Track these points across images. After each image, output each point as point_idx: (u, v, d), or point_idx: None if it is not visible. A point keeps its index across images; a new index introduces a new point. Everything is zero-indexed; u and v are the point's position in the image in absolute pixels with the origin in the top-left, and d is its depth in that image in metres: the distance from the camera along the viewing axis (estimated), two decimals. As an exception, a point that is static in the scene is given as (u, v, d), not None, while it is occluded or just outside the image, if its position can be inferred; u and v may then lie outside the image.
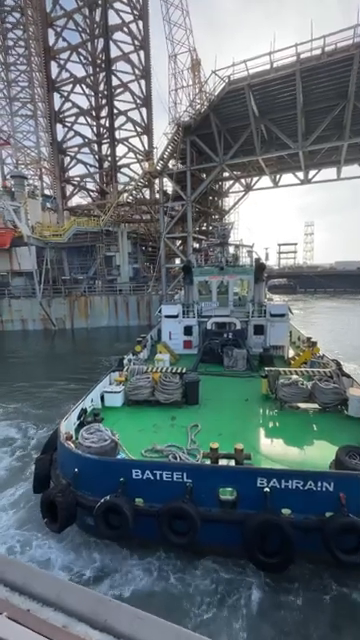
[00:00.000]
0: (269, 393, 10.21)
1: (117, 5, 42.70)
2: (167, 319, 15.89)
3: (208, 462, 6.74)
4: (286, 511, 5.85)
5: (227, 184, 41.49)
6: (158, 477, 6.13)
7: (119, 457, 7.01)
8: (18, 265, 35.04)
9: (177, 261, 40.93)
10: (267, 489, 5.83)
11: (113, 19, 42.74)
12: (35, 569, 1.09)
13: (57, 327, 33.06)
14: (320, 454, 7.24)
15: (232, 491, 6.14)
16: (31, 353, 26.38)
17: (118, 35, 43.38)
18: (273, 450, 7.58)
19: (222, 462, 6.78)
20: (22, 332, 32.89)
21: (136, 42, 44.18)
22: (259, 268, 16.03)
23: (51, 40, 44.32)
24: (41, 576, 1.05)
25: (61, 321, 33.31)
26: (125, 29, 43.35)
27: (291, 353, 14.80)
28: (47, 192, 48.69)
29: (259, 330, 15.28)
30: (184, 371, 10.36)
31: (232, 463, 6.74)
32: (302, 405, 9.55)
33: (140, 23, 43.94)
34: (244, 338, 14.61)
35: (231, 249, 18.90)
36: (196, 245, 35.31)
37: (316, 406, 9.42)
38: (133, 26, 43.70)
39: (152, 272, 39.07)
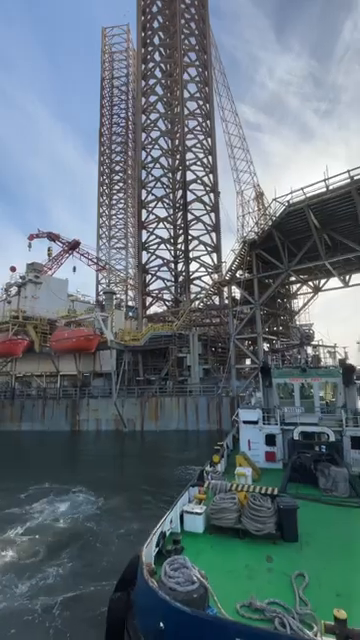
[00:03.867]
0: None
1: (193, 167, 55.80)
2: (245, 425, 14.10)
3: None
4: None
5: (295, 286, 42.74)
6: None
7: (209, 611, 5.15)
8: (100, 367, 38.63)
9: (247, 361, 40.31)
10: None
11: (189, 175, 55.38)
12: None
13: (128, 429, 33.13)
14: None
15: None
16: (105, 455, 26.26)
17: (193, 185, 55.17)
18: None
19: None
20: (95, 432, 33.59)
21: (207, 188, 55.29)
22: (348, 370, 14.21)
23: (143, 195, 58.27)
24: None
25: (132, 422, 33.47)
26: (199, 181, 55.21)
27: None
28: (130, 303, 56.64)
29: (358, 444, 12.59)
30: (275, 492, 8.49)
31: None
32: None
33: (211, 176, 55.84)
34: (341, 453, 12.17)
35: (309, 349, 17.67)
36: (266, 345, 34.84)
37: None
38: (205, 178, 55.59)
39: (222, 372, 38.76)
